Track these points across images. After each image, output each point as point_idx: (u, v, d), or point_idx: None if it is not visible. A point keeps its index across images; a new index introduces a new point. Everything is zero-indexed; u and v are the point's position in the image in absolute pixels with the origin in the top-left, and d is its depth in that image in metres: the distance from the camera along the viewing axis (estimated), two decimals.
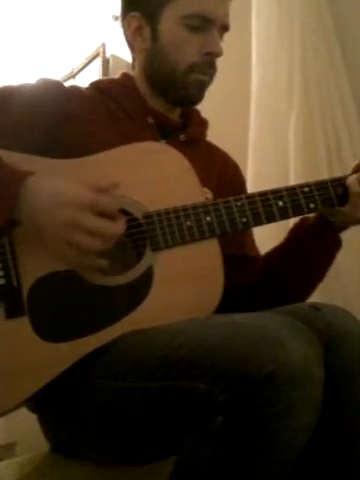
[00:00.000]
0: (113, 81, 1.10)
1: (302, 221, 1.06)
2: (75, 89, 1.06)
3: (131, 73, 1.11)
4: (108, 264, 0.85)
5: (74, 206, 0.81)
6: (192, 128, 1.11)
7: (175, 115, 1.10)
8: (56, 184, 0.84)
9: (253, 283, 1.07)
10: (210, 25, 1.01)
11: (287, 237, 1.08)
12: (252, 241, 1.16)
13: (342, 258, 1.57)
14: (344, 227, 1.03)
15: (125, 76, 1.11)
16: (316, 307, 0.87)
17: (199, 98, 1.07)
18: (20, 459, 1.05)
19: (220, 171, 1.13)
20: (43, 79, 1.02)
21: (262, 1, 1.77)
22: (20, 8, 2.78)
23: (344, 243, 1.57)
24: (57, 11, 2.81)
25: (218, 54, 1.03)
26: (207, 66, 1.03)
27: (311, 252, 1.03)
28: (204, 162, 1.08)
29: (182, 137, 1.08)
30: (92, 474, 0.93)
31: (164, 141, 1.04)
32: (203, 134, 1.16)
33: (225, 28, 1.05)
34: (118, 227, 0.83)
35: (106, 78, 1.16)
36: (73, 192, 0.83)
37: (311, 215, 1.03)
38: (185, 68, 1.01)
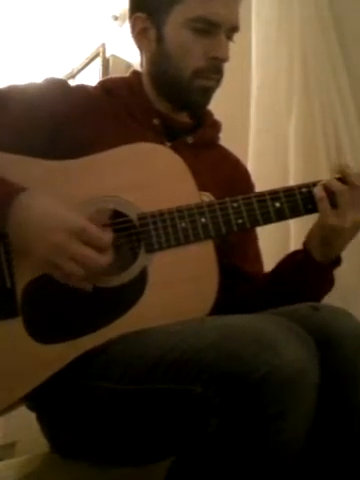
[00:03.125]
0: (121, 81, 1.09)
1: (291, 255, 1.03)
2: (80, 89, 1.05)
3: (141, 71, 1.08)
4: (92, 288, 0.85)
5: (63, 231, 0.81)
6: (202, 130, 1.08)
7: (183, 117, 1.07)
8: (47, 205, 0.83)
9: (249, 301, 1.03)
10: (216, 29, 0.98)
11: (273, 270, 1.05)
12: (255, 255, 1.13)
13: (343, 258, 1.57)
14: (335, 250, 0.97)
15: (134, 75, 1.09)
16: (315, 307, 0.87)
17: (204, 104, 1.04)
18: (20, 459, 1.05)
19: (229, 176, 1.10)
20: (47, 79, 1.01)
21: (262, 1, 1.77)
22: (20, 8, 2.78)
23: None
24: (57, 11, 2.81)
25: (224, 59, 1.00)
26: (213, 71, 1.00)
27: (295, 290, 0.99)
28: (211, 166, 1.06)
29: (189, 139, 1.05)
30: (92, 474, 0.93)
31: (169, 143, 1.02)
32: (214, 136, 1.13)
33: (234, 30, 1.02)
34: (102, 259, 0.82)
35: (115, 77, 1.13)
36: (64, 216, 0.82)
37: (301, 249, 0.99)
38: (190, 73, 0.99)
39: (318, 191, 0.92)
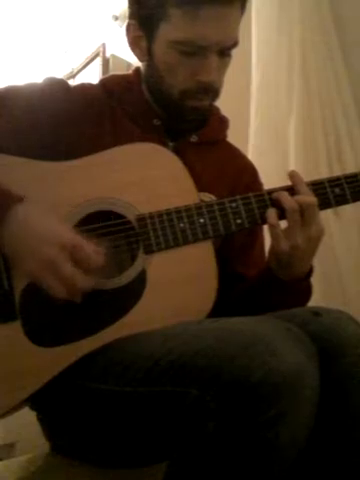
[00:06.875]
0: (121, 79, 1.06)
1: (263, 271, 1.00)
2: (80, 89, 1.03)
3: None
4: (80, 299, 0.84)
5: (55, 246, 0.80)
6: (206, 128, 1.05)
7: None
8: (43, 218, 0.83)
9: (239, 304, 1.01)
10: (204, 51, 0.91)
11: (250, 283, 1.03)
12: (259, 258, 1.08)
13: (343, 258, 1.58)
14: (298, 268, 0.93)
15: (135, 73, 1.05)
16: (317, 312, 0.84)
17: (199, 121, 1.01)
18: (20, 459, 1.05)
19: (235, 175, 1.07)
20: (47, 79, 1.00)
21: (262, 1, 1.77)
22: (20, 8, 2.78)
23: (345, 243, 1.57)
24: (57, 11, 2.81)
25: (210, 82, 0.93)
26: (202, 93, 0.94)
27: (268, 306, 0.94)
28: (216, 165, 1.04)
29: (193, 138, 1.02)
30: (92, 475, 0.93)
31: (172, 143, 1.01)
32: (221, 134, 1.09)
33: (229, 48, 0.94)
34: (86, 283, 0.81)
35: (116, 75, 1.08)
36: (57, 231, 0.82)
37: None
38: (178, 94, 0.95)
39: (270, 218, 0.89)
